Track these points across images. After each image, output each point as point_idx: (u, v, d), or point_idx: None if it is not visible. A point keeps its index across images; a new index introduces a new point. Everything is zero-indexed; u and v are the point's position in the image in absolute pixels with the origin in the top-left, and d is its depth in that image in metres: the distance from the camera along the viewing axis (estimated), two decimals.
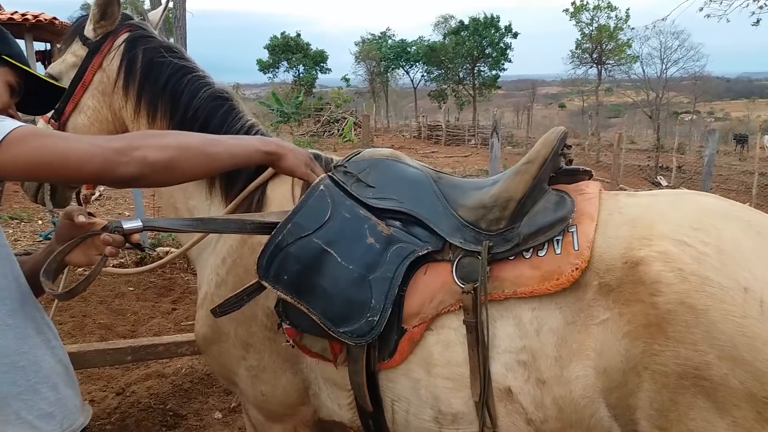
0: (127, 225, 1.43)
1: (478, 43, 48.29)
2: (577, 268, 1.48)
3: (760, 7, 17.59)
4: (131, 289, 6.18)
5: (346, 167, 1.86)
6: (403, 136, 37.72)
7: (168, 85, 2.07)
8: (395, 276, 1.63)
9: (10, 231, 7.94)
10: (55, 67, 2.21)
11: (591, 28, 42.29)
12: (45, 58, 13.58)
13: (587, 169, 1.76)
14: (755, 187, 16.01)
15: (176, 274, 6.68)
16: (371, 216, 1.72)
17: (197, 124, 2.03)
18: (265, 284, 1.64)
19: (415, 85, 61.12)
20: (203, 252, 2.11)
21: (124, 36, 2.13)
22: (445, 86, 53.86)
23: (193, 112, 2.04)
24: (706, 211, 1.50)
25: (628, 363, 1.41)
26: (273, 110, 31.38)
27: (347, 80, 58.00)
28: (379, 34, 59.33)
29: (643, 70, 43.26)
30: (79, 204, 2.34)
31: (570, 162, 1.75)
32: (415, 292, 1.65)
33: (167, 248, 6.80)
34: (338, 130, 31.28)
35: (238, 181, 2.00)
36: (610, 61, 42.75)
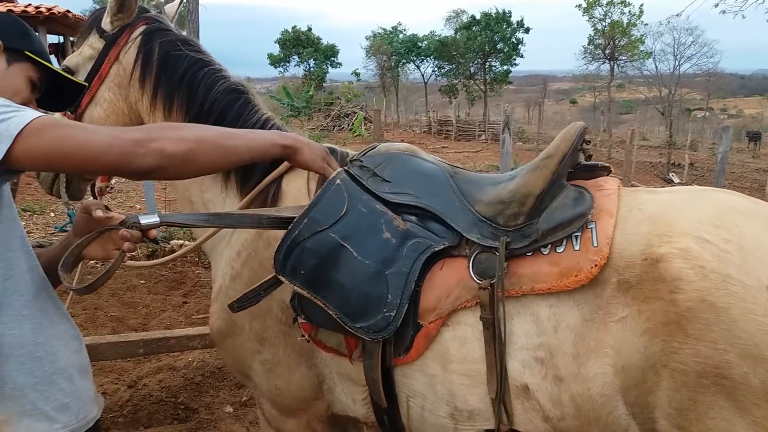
0: (145, 221, 1.44)
1: (490, 38, 48.09)
2: (596, 265, 1.46)
3: None
4: (142, 282, 6.21)
5: (362, 161, 1.86)
6: (413, 131, 37.66)
7: (184, 78, 2.07)
8: (412, 271, 1.62)
9: (23, 223, 7.92)
10: (71, 59, 2.21)
11: (604, 23, 41.99)
12: (58, 51, 13.66)
13: (606, 164, 1.74)
14: None
15: (187, 267, 6.71)
16: (387, 211, 1.72)
17: (213, 117, 2.03)
18: (282, 279, 1.64)
19: (426, 80, 60.94)
20: (218, 245, 2.11)
21: (141, 29, 2.13)
22: (456, 81, 53.68)
23: (209, 105, 2.04)
24: (727, 209, 1.48)
25: (647, 361, 1.40)
26: (283, 104, 31.41)
27: (358, 75, 57.97)
28: (390, 29, 59.19)
29: (656, 67, 42.97)
30: (94, 196, 2.35)
31: (589, 157, 1.73)
32: (431, 288, 1.64)
33: (180, 241, 6.82)
34: (348, 125, 31.30)
35: (253, 174, 2.00)
36: (623, 57, 42.44)
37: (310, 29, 56.96)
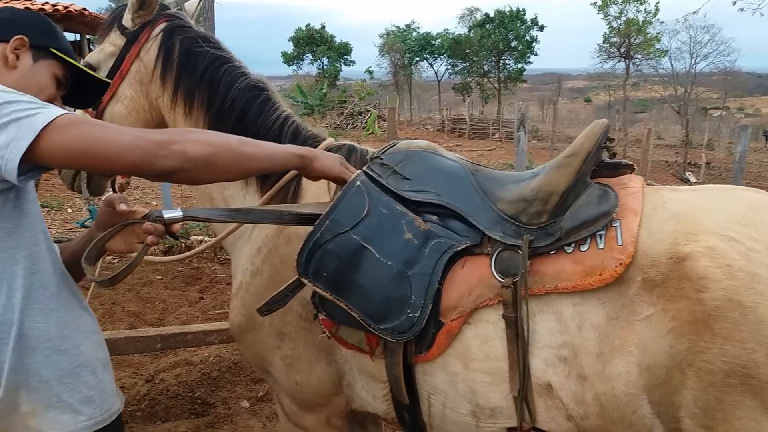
0: (168, 215, 1.45)
1: (504, 36, 47.86)
2: (620, 264, 1.45)
3: None
4: (159, 277, 6.26)
5: (382, 159, 1.85)
6: (426, 129, 37.59)
7: (205, 75, 2.08)
8: (434, 271, 1.62)
9: None
10: (93, 56, 2.23)
11: (619, 21, 41.60)
12: (75, 48, 13.71)
13: (629, 162, 1.73)
14: None
15: (203, 263, 6.75)
16: (408, 212, 1.71)
17: (234, 114, 2.04)
18: (305, 281, 1.65)
19: (439, 78, 60.82)
20: (238, 241, 2.12)
21: (162, 26, 2.14)
22: (470, 79, 53.50)
23: (230, 102, 2.05)
24: (754, 207, 1.47)
25: (673, 360, 1.39)
26: (297, 102, 31.44)
27: (371, 73, 57.94)
28: (404, 27, 59.10)
29: (672, 65, 42.56)
30: (114, 191, 2.37)
31: (614, 155, 1.72)
32: (453, 286, 1.64)
33: (201, 237, 6.87)
34: (361, 123, 31.27)
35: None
36: (638, 56, 42.05)
37: (323, 27, 57.01)
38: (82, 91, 1.66)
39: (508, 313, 1.54)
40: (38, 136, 1.20)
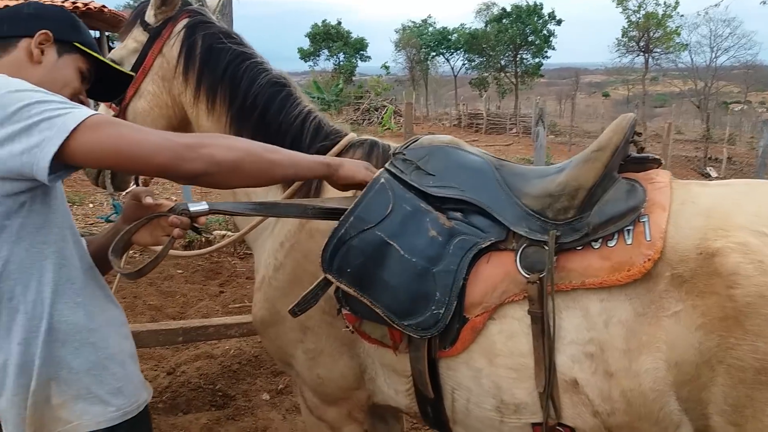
0: (194, 208, 1.46)
1: (521, 31, 47.60)
2: (649, 259, 1.44)
3: None
4: (180, 272, 6.32)
5: (404, 155, 1.84)
6: (443, 124, 37.50)
7: (227, 71, 2.08)
8: (459, 269, 1.61)
9: None
10: (116, 52, 2.24)
11: (638, 15, 41.11)
12: None
13: (656, 157, 1.70)
14: None
15: (223, 258, 6.81)
16: (432, 209, 1.71)
17: (257, 109, 2.04)
18: (329, 277, 1.65)
19: (456, 73, 60.59)
20: (260, 236, 2.13)
21: (184, 22, 2.15)
22: (487, 74, 53.25)
23: (252, 98, 2.05)
24: None
25: (702, 356, 1.37)
26: (314, 98, 31.47)
27: (387, 68, 57.92)
28: (420, 22, 58.99)
29: (692, 59, 42.00)
30: (137, 185, 2.39)
31: (641, 150, 1.69)
32: (478, 281, 1.63)
33: (223, 232, 6.92)
34: (378, 118, 31.29)
35: None
36: (658, 50, 41.55)
37: (339, 23, 57.14)
38: (105, 85, 1.67)
39: (534, 309, 1.53)
40: (69, 136, 1.21)
